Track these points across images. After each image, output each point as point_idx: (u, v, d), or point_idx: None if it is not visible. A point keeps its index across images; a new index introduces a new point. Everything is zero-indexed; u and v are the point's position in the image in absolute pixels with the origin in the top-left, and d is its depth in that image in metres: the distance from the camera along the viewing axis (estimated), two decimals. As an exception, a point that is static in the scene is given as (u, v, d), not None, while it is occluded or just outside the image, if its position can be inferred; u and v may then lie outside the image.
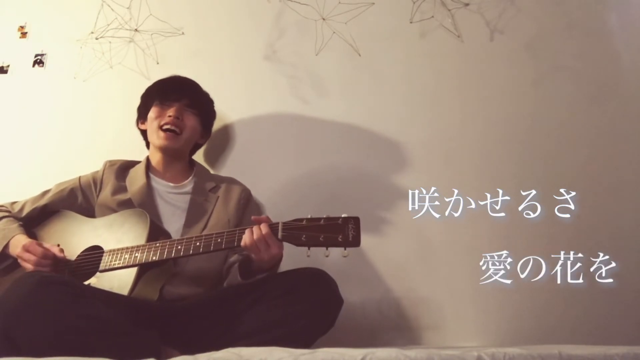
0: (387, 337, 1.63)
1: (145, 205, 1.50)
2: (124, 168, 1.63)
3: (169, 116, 1.57)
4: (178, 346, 1.26)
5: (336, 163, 1.82)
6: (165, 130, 1.57)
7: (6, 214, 1.54)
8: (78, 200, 1.58)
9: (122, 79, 1.98)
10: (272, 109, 1.89)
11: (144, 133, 1.68)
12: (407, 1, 1.87)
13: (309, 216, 1.26)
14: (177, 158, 1.64)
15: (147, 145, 1.69)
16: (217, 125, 1.83)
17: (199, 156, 1.83)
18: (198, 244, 1.31)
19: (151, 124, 1.61)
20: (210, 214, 1.55)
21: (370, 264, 1.70)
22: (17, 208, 1.56)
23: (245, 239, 1.28)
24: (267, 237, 1.27)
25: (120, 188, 1.56)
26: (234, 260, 1.50)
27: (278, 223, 1.28)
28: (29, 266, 1.37)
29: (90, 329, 1.13)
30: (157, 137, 1.59)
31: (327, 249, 1.22)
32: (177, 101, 1.61)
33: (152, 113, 1.61)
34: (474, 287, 1.63)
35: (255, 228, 1.29)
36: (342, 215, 1.23)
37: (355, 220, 1.23)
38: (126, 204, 1.51)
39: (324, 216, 1.25)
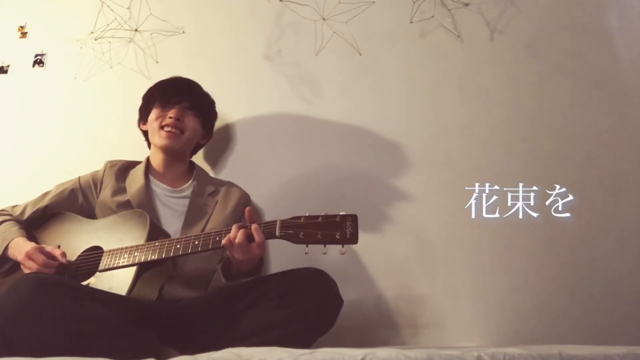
0: (385, 335, 1.62)
1: (144, 206, 1.50)
2: (124, 169, 1.63)
3: (170, 117, 1.58)
4: (177, 346, 1.26)
5: (336, 163, 1.81)
6: (166, 130, 1.58)
7: (7, 217, 1.54)
8: (78, 200, 1.58)
9: (122, 79, 1.98)
10: (272, 109, 1.89)
11: (145, 133, 1.69)
12: (407, 1, 1.87)
13: (307, 214, 1.25)
14: (178, 159, 1.65)
15: (149, 145, 1.69)
16: (217, 125, 1.83)
17: (199, 157, 1.83)
18: (197, 242, 1.30)
19: (152, 124, 1.61)
20: (208, 218, 1.55)
21: (370, 263, 1.69)
22: (18, 211, 1.56)
23: (229, 236, 1.27)
24: (255, 231, 1.26)
25: (120, 189, 1.56)
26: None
27: (276, 221, 1.27)
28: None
29: (89, 330, 1.13)
30: (158, 137, 1.59)
31: (324, 246, 1.21)
32: (178, 103, 1.61)
33: (153, 114, 1.62)
34: (474, 287, 1.63)
35: (238, 227, 1.27)
36: (340, 213, 1.23)
37: (353, 218, 1.22)
38: (125, 205, 1.51)
39: (322, 214, 1.24)
